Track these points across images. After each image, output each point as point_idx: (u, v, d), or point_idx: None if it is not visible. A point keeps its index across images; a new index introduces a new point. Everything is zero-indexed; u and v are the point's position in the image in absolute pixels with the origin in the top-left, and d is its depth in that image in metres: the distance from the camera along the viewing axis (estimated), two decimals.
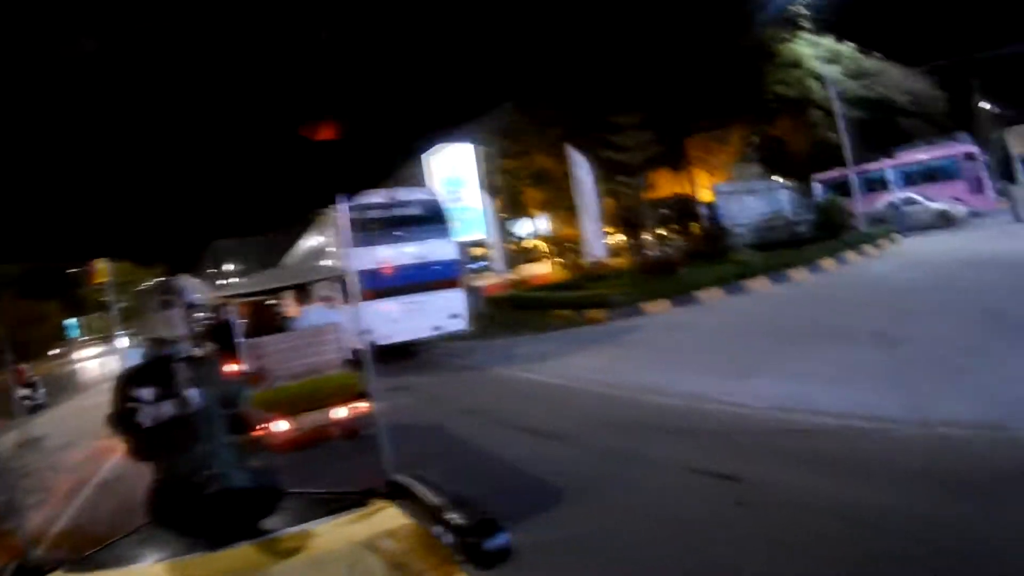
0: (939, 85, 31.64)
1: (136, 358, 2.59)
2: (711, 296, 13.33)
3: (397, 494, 1.83)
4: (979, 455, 3.94)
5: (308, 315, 6.26)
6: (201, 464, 2.14)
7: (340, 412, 5.96)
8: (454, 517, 1.48)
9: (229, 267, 53.65)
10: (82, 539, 4.69)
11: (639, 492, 4.27)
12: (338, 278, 6.94)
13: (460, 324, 12.48)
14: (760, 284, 13.83)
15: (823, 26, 25.45)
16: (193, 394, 2.20)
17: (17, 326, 31.15)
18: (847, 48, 29.40)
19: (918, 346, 6.56)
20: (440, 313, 12.06)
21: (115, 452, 7.96)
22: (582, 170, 13.16)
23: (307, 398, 5.93)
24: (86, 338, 38.38)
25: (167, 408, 2.18)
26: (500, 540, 1.41)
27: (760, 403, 5.65)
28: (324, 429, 6.50)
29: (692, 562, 3.23)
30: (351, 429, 6.28)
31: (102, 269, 20.37)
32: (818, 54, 24.43)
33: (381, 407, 3.09)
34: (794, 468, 4.20)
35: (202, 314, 10.45)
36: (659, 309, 12.98)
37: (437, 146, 15.56)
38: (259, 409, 5.04)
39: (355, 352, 5.98)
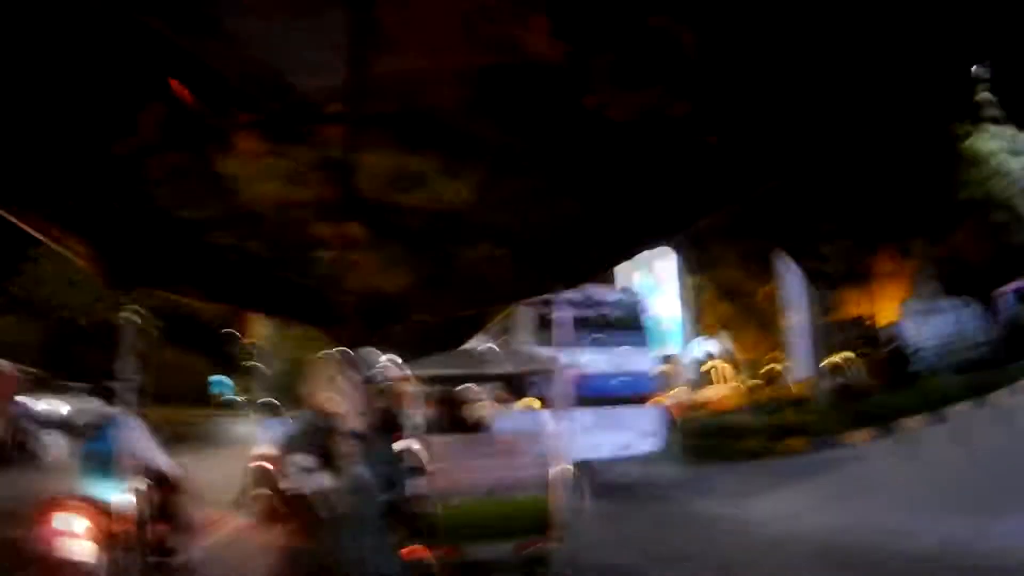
0: None
1: (280, 427, 2.57)
2: (914, 425, 11.16)
3: None
4: None
5: (513, 417, 5.50)
6: (347, 544, 2.10)
7: (522, 546, 4.71)
8: None
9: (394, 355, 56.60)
10: None
11: None
12: (549, 372, 6.02)
13: (653, 445, 10.84)
14: (961, 410, 11.17)
15: (1007, 115, 21.83)
16: (360, 472, 2.16)
17: (160, 372, 30.33)
18: None
19: None
20: (631, 431, 10.46)
21: (220, 527, 7.20)
22: (792, 281, 11.75)
23: (489, 521, 4.97)
24: (235, 398, 32.67)
25: (322, 479, 2.19)
26: None
27: None
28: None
29: None
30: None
31: (258, 331, 21.60)
32: (1003, 147, 20.51)
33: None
34: None
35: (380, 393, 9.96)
36: (859, 439, 11.23)
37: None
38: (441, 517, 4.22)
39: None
